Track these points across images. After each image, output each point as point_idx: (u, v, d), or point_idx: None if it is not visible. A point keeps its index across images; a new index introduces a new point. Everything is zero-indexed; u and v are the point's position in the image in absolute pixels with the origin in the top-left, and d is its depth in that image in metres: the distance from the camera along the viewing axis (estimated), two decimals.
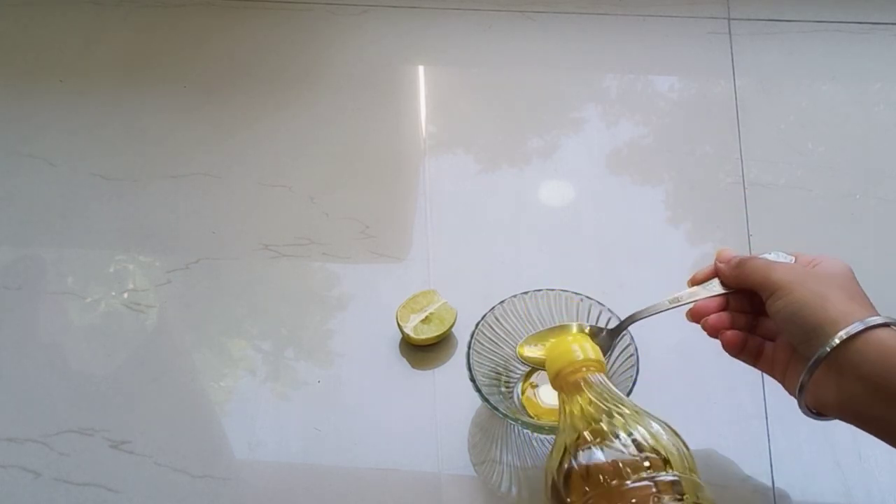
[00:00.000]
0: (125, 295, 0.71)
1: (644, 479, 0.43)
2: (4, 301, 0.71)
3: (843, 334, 0.44)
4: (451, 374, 0.65)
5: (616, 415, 0.47)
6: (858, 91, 0.88)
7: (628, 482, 0.43)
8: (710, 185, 0.79)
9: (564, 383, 0.51)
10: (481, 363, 0.60)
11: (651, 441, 0.45)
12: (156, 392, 0.65)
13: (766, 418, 0.61)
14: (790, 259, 0.52)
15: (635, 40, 0.93)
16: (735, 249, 0.54)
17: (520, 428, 0.61)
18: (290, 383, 0.65)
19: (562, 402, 0.51)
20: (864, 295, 0.48)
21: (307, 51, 0.93)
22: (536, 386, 0.62)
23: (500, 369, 0.62)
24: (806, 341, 0.46)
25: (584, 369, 0.51)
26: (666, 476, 0.43)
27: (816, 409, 0.48)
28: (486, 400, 0.57)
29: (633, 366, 0.57)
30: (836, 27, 0.93)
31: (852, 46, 0.92)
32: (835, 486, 0.58)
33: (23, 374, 0.66)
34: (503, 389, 0.61)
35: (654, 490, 0.42)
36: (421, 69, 0.92)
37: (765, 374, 0.53)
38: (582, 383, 0.50)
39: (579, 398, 0.49)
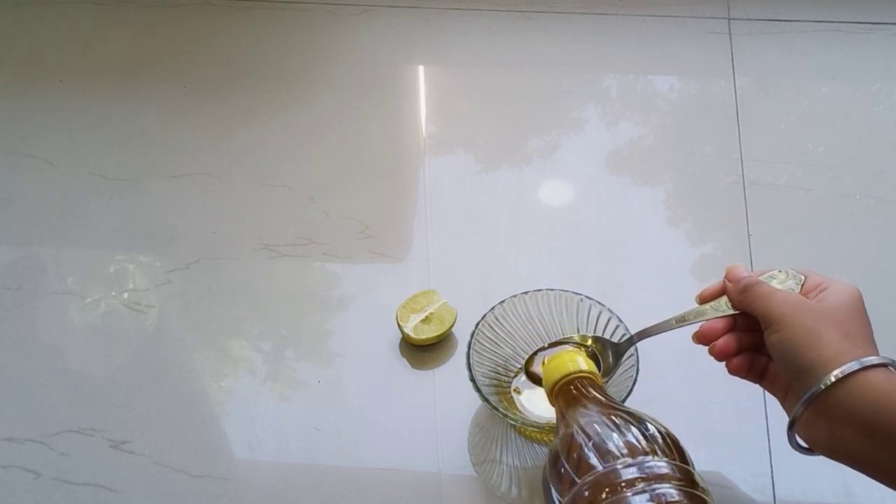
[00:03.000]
0: (125, 295, 0.71)
1: (634, 465, 0.43)
2: (4, 301, 0.71)
3: (831, 378, 0.43)
4: (451, 374, 0.65)
5: (611, 416, 0.48)
6: (858, 91, 0.88)
7: (620, 469, 0.43)
8: (710, 185, 0.78)
9: (561, 395, 0.52)
10: (481, 363, 0.60)
11: (644, 442, 0.45)
12: (156, 392, 0.65)
13: (766, 418, 0.61)
14: (799, 279, 0.51)
15: (635, 40, 0.93)
16: (744, 266, 0.52)
17: (519, 429, 0.61)
18: (290, 383, 0.65)
19: (559, 413, 0.52)
20: (865, 329, 0.47)
21: (307, 51, 0.93)
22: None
23: (500, 369, 0.62)
24: (798, 379, 0.46)
25: (578, 381, 0.52)
26: (658, 462, 0.43)
27: (809, 446, 0.48)
28: (486, 400, 0.57)
29: (632, 366, 0.57)
30: (836, 27, 0.93)
31: (852, 46, 0.92)
32: (835, 486, 0.58)
33: (23, 374, 0.66)
34: (503, 389, 0.61)
35: (646, 477, 0.43)
36: (421, 69, 0.92)
37: None
38: (576, 392, 0.51)
39: (575, 404, 0.50)
